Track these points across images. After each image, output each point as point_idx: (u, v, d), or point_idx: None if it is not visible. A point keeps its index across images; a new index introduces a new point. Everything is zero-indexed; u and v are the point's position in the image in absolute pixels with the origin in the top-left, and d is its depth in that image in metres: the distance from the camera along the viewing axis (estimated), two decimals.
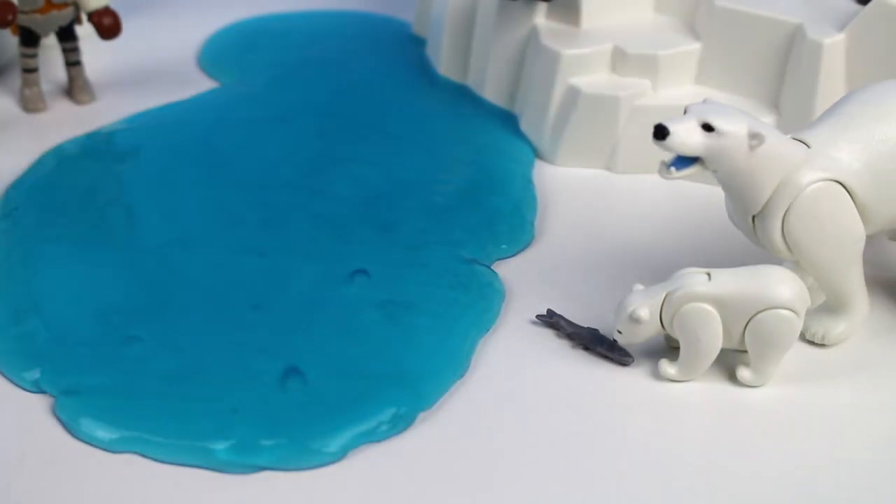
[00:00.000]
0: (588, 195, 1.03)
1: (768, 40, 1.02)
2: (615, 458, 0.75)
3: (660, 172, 0.79)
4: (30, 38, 1.14)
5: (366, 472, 0.74)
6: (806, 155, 0.79)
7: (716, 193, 1.02)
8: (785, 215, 0.80)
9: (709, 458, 0.75)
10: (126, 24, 1.17)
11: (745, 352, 0.80)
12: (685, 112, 0.78)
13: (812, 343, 0.84)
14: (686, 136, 0.77)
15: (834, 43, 0.98)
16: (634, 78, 1.05)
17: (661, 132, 0.77)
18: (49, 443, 0.76)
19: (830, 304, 0.84)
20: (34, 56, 1.14)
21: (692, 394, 0.80)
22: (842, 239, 0.81)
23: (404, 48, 1.27)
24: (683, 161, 0.79)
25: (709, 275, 0.80)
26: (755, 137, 0.77)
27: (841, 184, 0.80)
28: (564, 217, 1.00)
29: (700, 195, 1.02)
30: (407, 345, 0.83)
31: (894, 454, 0.76)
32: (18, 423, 0.78)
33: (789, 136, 0.81)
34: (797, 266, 0.85)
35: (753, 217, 0.81)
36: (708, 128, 0.77)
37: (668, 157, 0.79)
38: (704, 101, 0.80)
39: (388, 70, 1.22)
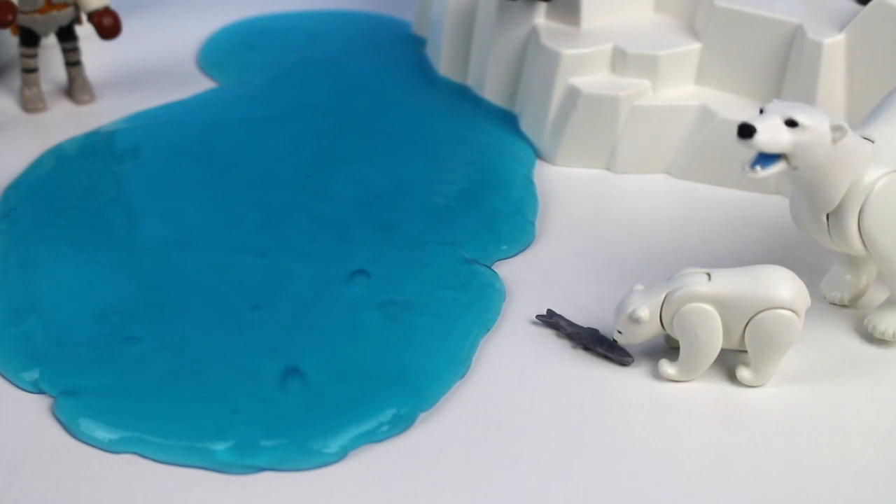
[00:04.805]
0: (588, 195, 1.03)
1: (768, 40, 1.02)
2: (615, 458, 0.75)
3: (743, 171, 0.77)
4: (30, 38, 1.13)
5: (366, 472, 0.74)
6: (872, 151, 0.80)
7: (716, 194, 1.02)
8: (860, 213, 0.80)
9: (709, 458, 0.75)
10: (126, 24, 1.17)
11: (745, 352, 0.80)
12: (761, 112, 0.77)
13: (883, 341, 0.84)
14: (772, 134, 0.76)
15: (834, 43, 0.98)
16: (634, 78, 1.05)
17: (747, 131, 0.75)
18: (48, 443, 0.76)
19: None
20: (34, 56, 1.14)
21: (692, 394, 0.80)
22: None
23: (404, 48, 1.27)
24: (767, 159, 0.77)
25: (709, 275, 0.80)
26: (838, 129, 0.77)
27: None
28: (564, 217, 1.00)
29: (700, 195, 1.02)
30: (407, 345, 0.83)
31: (894, 454, 0.76)
32: (18, 424, 0.78)
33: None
34: (853, 265, 0.84)
35: (827, 215, 0.81)
36: (792, 123, 0.76)
37: (749, 156, 0.77)
38: (773, 101, 0.78)
39: (388, 70, 1.22)
